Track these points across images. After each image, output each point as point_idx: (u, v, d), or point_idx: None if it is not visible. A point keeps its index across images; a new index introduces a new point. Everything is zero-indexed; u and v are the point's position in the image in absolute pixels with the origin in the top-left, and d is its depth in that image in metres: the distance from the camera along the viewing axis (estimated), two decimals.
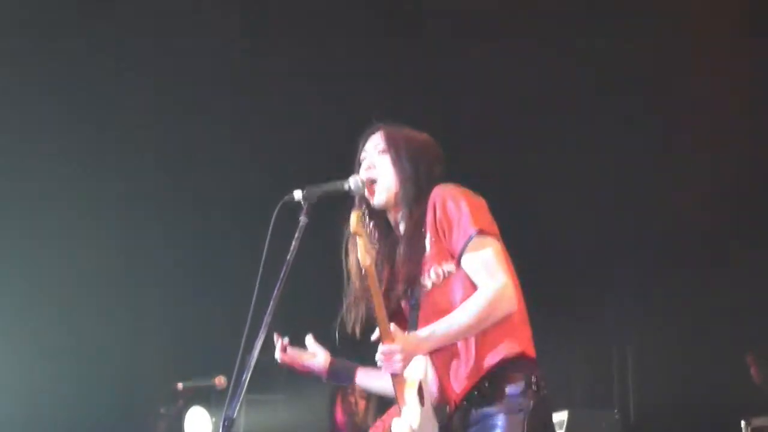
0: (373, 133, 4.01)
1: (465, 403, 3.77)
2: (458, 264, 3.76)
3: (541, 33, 7.43)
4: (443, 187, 3.85)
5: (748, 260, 7.83)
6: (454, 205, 3.78)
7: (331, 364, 4.13)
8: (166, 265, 7.85)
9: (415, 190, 3.88)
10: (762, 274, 7.75)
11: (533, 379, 3.71)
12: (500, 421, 3.68)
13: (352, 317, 3.94)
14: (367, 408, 6.70)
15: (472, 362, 3.74)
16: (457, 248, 3.74)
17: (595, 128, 7.82)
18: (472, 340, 3.73)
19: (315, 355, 4.13)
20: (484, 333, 3.73)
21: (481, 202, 3.84)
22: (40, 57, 7.18)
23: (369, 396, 6.64)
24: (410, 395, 3.74)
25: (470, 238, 3.72)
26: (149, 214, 7.88)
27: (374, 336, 3.73)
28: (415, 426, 3.69)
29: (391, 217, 3.98)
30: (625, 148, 7.90)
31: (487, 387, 3.73)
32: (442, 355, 3.81)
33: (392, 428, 3.70)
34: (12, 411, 7.33)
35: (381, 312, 3.68)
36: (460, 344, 3.76)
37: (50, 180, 7.54)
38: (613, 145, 7.87)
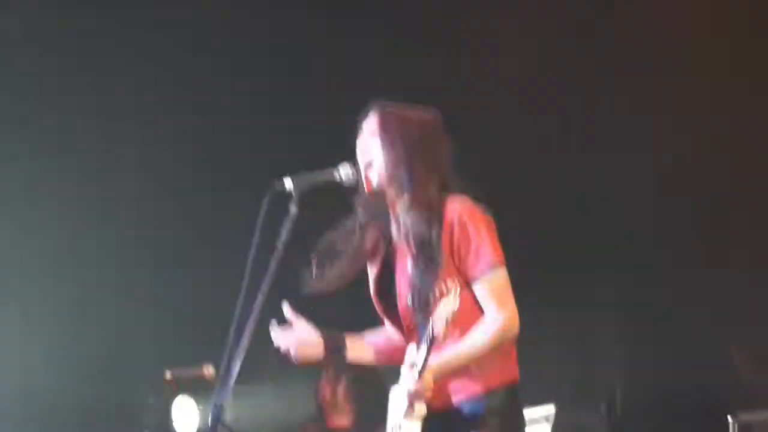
0: (369, 116, 3.98)
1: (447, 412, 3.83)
2: (467, 285, 3.79)
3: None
4: (461, 205, 3.84)
5: (735, 254, 7.85)
6: (475, 230, 3.79)
7: (322, 334, 4.10)
8: (154, 254, 7.81)
9: (408, 174, 3.85)
10: (748, 268, 7.78)
11: (512, 402, 3.85)
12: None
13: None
14: (334, 392, 6.58)
15: (461, 383, 3.81)
16: (474, 274, 3.79)
17: (587, 111, 7.85)
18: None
19: (304, 329, 4.08)
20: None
21: (493, 228, 3.87)
22: None
23: (337, 378, 6.55)
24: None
25: (491, 269, 3.77)
26: (136, 202, 7.84)
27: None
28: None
29: (387, 199, 3.95)
30: (614, 138, 7.93)
31: (468, 404, 3.82)
32: None
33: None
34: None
35: None
36: None
37: (34, 163, 7.51)
38: (603, 134, 7.90)
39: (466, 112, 7.23)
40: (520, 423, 3.88)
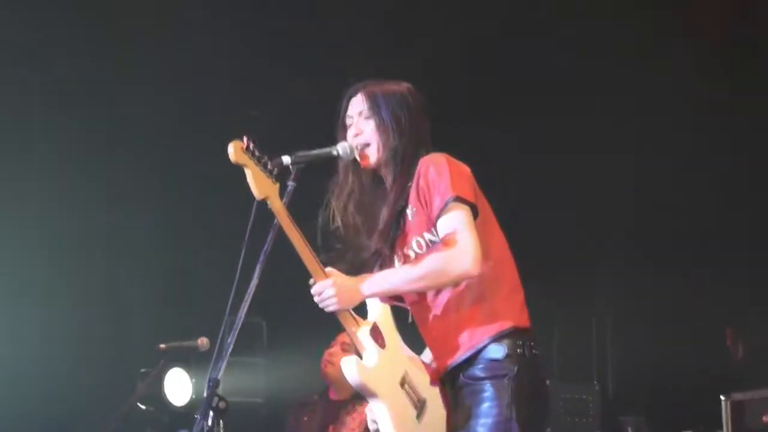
0: (354, 95, 3.99)
1: (453, 369, 3.81)
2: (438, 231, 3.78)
3: None
4: (428, 157, 3.86)
5: (731, 235, 7.88)
6: (436, 172, 3.79)
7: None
8: (151, 225, 7.82)
9: (402, 147, 3.88)
10: (744, 249, 7.80)
11: (518, 343, 3.74)
12: (487, 386, 3.73)
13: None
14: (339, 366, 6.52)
15: (464, 335, 3.77)
16: (435, 214, 3.76)
17: (586, 100, 7.86)
18: (466, 312, 3.78)
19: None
20: (478, 305, 3.77)
21: (464, 169, 3.86)
22: None
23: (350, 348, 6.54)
24: (363, 336, 3.79)
25: (446, 204, 3.73)
26: (132, 173, 7.84)
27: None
28: (371, 365, 3.75)
29: (381, 173, 3.97)
30: (611, 128, 7.96)
31: (475, 355, 3.76)
32: (436, 326, 3.84)
33: (342, 365, 3.74)
34: None
35: (304, 251, 3.72)
36: (453, 315, 3.79)
37: (31, 137, 7.50)
38: (601, 125, 7.92)
39: None
40: (532, 365, 3.78)
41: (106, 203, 7.78)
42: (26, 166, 7.49)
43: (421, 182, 3.81)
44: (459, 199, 3.74)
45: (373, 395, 3.75)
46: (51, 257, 7.55)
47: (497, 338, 3.75)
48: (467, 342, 3.77)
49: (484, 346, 3.75)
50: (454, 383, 3.83)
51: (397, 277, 3.79)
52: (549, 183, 8.18)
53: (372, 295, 3.81)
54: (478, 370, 3.75)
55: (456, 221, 3.72)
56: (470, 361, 3.77)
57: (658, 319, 8.09)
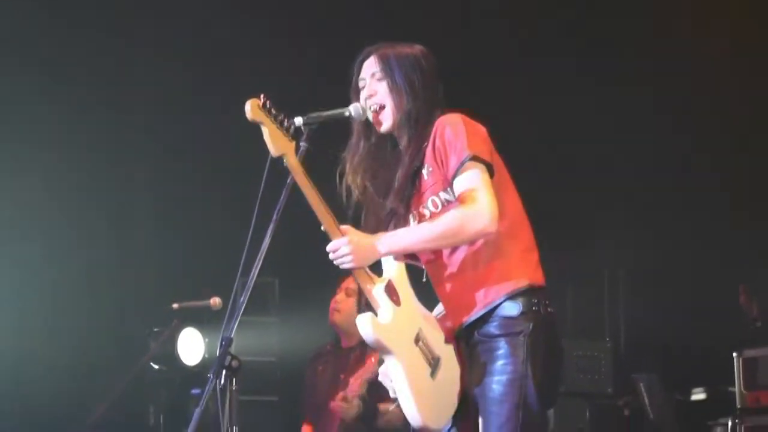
0: (366, 58, 3.98)
1: (468, 326, 3.82)
2: (453, 190, 3.79)
3: None
4: (444, 117, 3.86)
5: (745, 192, 7.86)
6: (452, 132, 3.79)
7: None
8: (162, 185, 7.82)
9: (415, 109, 3.88)
10: (758, 206, 7.78)
11: (534, 301, 3.74)
12: (502, 343, 3.74)
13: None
14: (347, 313, 6.47)
15: (480, 293, 3.78)
16: (451, 173, 3.77)
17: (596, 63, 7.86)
18: (482, 270, 3.78)
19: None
20: (494, 263, 3.78)
21: (479, 129, 3.86)
22: None
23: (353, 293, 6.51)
24: (378, 293, 3.79)
25: (462, 163, 3.74)
26: (143, 135, 7.84)
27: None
28: (386, 322, 3.74)
29: (396, 135, 3.97)
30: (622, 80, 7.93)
31: (490, 312, 3.77)
32: (451, 284, 3.85)
33: (357, 322, 3.73)
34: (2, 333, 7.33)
35: (320, 208, 3.72)
36: (469, 273, 3.79)
37: (39, 109, 7.50)
38: (611, 78, 7.91)
39: None
40: (547, 322, 3.78)
41: (116, 164, 7.78)
42: (33, 119, 7.49)
43: (437, 142, 3.81)
44: (475, 158, 3.74)
45: (388, 352, 3.75)
46: (60, 215, 7.54)
47: (512, 296, 3.75)
48: (482, 299, 3.77)
49: (499, 304, 3.76)
50: (469, 340, 3.83)
51: (413, 235, 3.79)
52: (560, 138, 8.15)
53: (388, 254, 3.81)
54: (493, 327, 3.76)
55: (472, 180, 3.72)
56: (485, 318, 3.77)
57: (670, 276, 8.07)
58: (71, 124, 7.55)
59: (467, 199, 3.71)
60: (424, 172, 3.85)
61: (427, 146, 3.84)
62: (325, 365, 6.60)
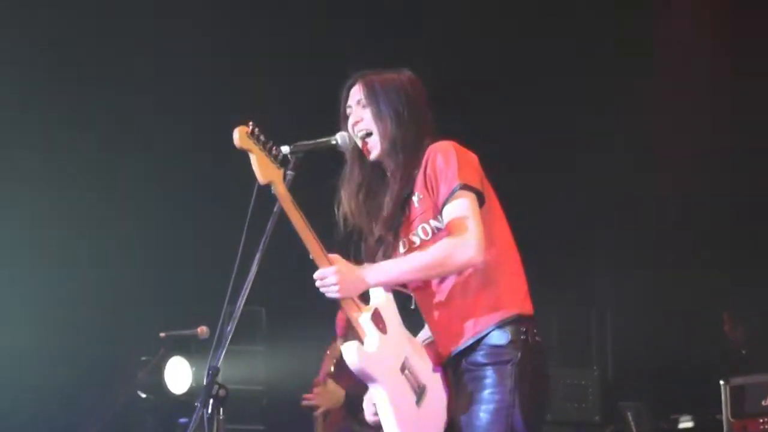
0: (353, 85, 3.99)
1: (456, 355, 3.82)
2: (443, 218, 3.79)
3: None
4: (436, 145, 3.86)
5: (727, 221, 7.90)
6: (444, 159, 3.80)
7: None
8: (151, 213, 7.81)
9: (401, 136, 3.88)
10: (742, 236, 7.81)
11: (522, 330, 3.75)
12: (489, 372, 3.74)
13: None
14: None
15: (469, 323, 3.79)
16: (441, 201, 3.78)
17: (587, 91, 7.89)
18: (470, 299, 3.78)
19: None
20: (482, 292, 3.78)
21: (471, 157, 3.87)
22: None
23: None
24: (365, 321, 3.78)
25: (453, 191, 3.74)
26: (134, 161, 7.83)
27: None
28: (371, 350, 3.74)
29: (385, 165, 3.97)
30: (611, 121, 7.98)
31: (478, 341, 3.77)
32: (440, 312, 3.85)
33: (343, 350, 3.73)
34: None
35: (308, 236, 3.72)
36: (458, 301, 3.80)
37: (34, 122, 7.50)
38: (599, 116, 7.94)
39: None
40: (535, 351, 3.78)
41: (103, 193, 7.76)
42: (26, 145, 7.50)
43: (428, 169, 3.82)
44: (465, 187, 3.75)
45: (373, 380, 3.75)
46: (47, 243, 7.53)
47: (501, 325, 3.76)
48: (471, 328, 3.78)
49: (488, 333, 3.76)
50: (457, 369, 3.83)
51: (401, 266, 3.79)
52: (548, 171, 8.18)
53: (377, 285, 3.81)
54: (480, 356, 3.76)
55: (461, 208, 3.73)
56: (473, 347, 3.77)
57: (657, 304, 8.09)
58: (62, 151, 7.56)
59: (455, 228, 3.72)
60: (414, 199, 3.86)
61: (417, 173, 3.85)
62: None
